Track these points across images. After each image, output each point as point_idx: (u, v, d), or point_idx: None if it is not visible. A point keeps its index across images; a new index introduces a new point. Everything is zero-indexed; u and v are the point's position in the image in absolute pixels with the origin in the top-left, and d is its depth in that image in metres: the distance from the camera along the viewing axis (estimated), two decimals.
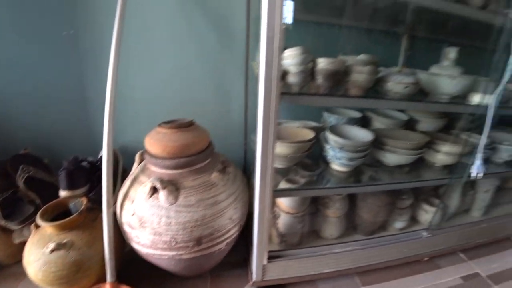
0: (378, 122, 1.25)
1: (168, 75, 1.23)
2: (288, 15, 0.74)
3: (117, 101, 0.87)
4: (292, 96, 0.78)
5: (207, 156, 0.97)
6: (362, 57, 1.05)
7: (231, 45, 1.22)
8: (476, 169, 1.04)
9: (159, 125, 0.95)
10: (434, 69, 1.05)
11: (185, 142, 0.91)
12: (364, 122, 1.29)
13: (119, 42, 0.87)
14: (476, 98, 1.04)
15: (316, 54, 1.07)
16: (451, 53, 1.02)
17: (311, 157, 1.14)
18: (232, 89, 1.30)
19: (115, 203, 0.96)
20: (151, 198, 0.86)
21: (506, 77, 0.95)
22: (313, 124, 1.23)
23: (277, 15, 0.66)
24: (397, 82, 0.87)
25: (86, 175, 1.06)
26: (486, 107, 1.00)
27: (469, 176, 1.08)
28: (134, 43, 1.14)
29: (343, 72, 0.83)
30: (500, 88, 0.97)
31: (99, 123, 0.91)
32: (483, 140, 1.02)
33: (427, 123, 1.24)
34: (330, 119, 1.23)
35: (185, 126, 0.95)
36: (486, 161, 1.31)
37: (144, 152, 0.97)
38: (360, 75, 0.82)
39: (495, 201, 1.46)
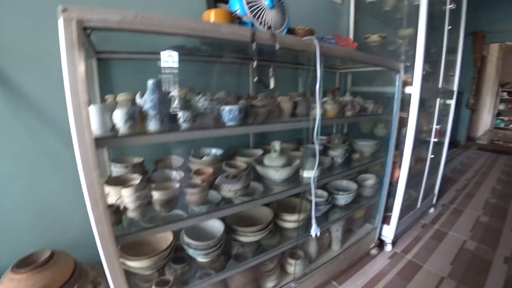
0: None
1: (19, 199, 1.13)
2: None
3: None
4: (132, 234, 0.91)
5: (73, 285, 1.02)
6: (206, 159, 1.25)
7: None
8: (313, 231, 1.33)
9: (12, 269, 0.93)
10: (266, 159, 1.32)
11: (44, 283, 0.93)
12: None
13: None
14: (305, 174, 1.35)
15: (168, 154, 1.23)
16: (276, 145, 1.31)
17: None
18: None
19: None
20: None
21: (317, 159, 1.28)
22: None
23: (94, 175, 0.78)
24: (228, 190, 1.09)
25: None
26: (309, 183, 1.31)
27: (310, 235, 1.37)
28: None
29: (177, 196, 1.00)
30: (316, 166, 1.28)
31: None
32: (312, 208, 1.33)
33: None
34: None
35: (43, 263, 0.97)
36: (333, 206, 1.67)
37: None
38: (192, 196, 1.01)
39: (348, 229, 1.85)
